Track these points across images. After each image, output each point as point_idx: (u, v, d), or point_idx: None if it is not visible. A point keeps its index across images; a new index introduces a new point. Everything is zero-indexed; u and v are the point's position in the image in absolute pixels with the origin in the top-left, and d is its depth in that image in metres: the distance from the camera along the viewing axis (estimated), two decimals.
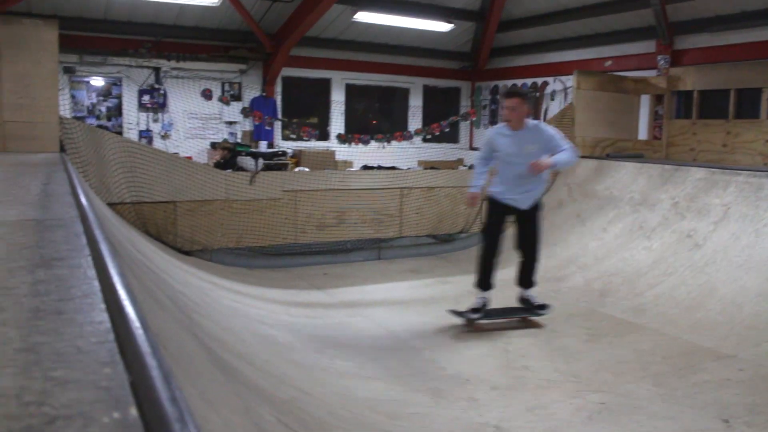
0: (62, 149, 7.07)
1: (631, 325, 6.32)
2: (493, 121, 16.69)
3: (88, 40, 12.40)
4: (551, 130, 6.13)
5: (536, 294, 6.45)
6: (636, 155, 10.61)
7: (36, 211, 2.64)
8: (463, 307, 6.44)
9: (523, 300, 6.44)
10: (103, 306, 1.22)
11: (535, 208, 6.25)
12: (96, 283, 1.40)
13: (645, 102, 12.09)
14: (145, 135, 13.14)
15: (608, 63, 13.25)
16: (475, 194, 6.32)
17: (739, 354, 5.46)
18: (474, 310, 6.17)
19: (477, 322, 6.13)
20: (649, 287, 7.19)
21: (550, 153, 5.90)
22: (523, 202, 6.14)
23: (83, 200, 2.99)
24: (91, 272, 1.50)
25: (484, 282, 6.28)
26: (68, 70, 12.35)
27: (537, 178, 6.02)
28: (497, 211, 6.27)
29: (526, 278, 6.42)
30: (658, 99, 12.02)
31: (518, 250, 6.40)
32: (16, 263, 1.64)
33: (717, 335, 5.89)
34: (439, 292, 7.50)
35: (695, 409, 4.37)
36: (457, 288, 7.68)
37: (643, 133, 12.00)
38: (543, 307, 6.37)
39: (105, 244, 1.91)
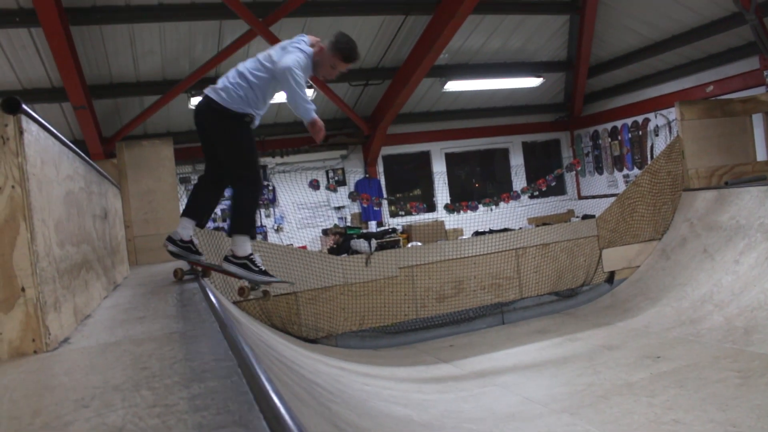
0: None
1: None
2: (598, 167, 16.35)
3: (199, 150, 13.15)
4: None
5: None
6: (758, 178, 10.06)
7: (178, 323, 2.79)
8: (597, 364, 6.20)
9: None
10: (260, 416, 1.28)
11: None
12: (248, 392, 1.47)
13: (758, 121, 11.53)
14: (260, 231, 13.69)
15: (710, 88, 12.78)
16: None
17: None
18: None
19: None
20: None
21: None
22: None
23: (216, 305, 3.15)
24: (242, 382, 1.58)
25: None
26: (184, 180, 13.14)
27: None
28: None
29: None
30: None
31: None
32: (171, 379, 1.75)
33: None
34: (570, 351, 7.27)
35: None
36: (588, 344, 7.43)
37: (761, 154, 11.40)
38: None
39: (247, 349, 2.00)
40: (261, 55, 5.04)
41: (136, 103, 11.79)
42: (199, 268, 5.31)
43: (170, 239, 5.01)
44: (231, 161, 4.92)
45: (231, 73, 4.93)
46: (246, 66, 4.97)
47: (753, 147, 11.17)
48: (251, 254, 4.89)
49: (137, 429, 1.32)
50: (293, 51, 4.81)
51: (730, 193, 9.29)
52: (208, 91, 4.87)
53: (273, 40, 10.72)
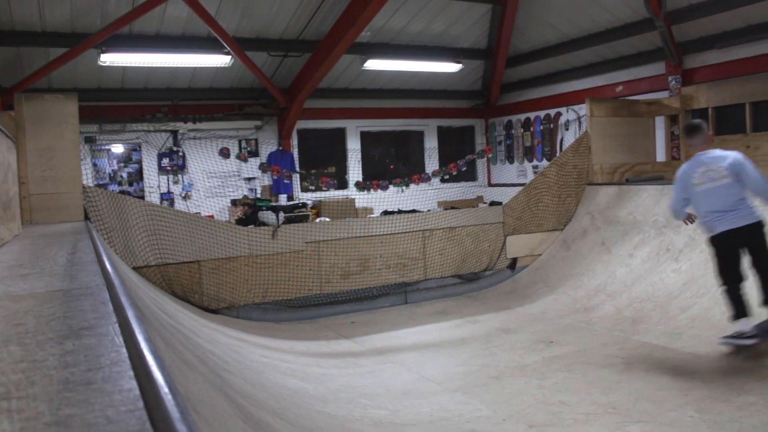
0: (86, 217, 7.19)
1: (667, 350, 6.21)
2: (509, 156, 16.72)
3: (107, 109, 12.71)
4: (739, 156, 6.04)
5: None
6: (656, 177, 10.56)
7: (63, 282, 2.67)
8: (493, 347, 6.37)
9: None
10: (131, 373, 1.23)
11: (758, 224, 5.93)
12: (124, 351, 1.41)
13: (660, 124, 12.07)
14: (167, 197, 13.32)
15: (619, 88, 13.27)
16: (692, 218, 6.56)
17: None
18: (740, 335, 5.88)
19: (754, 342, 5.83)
20: (682, 310, 7.08)
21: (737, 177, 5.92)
22: (742, 221, 5.89)
23: (109, 267, 3.03)
24: (119, 340, 1.52)
25: (739, 312, 5.97)
26: (89, 140, 12.62)
27: (742, 199, 5.92)
28: (723, 245, 6.05)
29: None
30: (672, 119, 12.00)
31: (756, 272, 6.00)
32: (45, 335, 1.66)
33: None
34: (468, 332, 7.44)
35: None
36: (486, 327, 7.62)
37: (661, 155, 11.95)
38: None
39: (131, 310, 1.93)
40: None
41: (41, 54, 11.16)
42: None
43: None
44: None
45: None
46: None
47: (654, 148, 11.70)
48: None
49: None
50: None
51: (630, 190, 9.70)
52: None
53: (192, 2, 10.39)
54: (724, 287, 6.03)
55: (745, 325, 5.85)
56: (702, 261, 7.65)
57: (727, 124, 11.30)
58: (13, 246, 4.49)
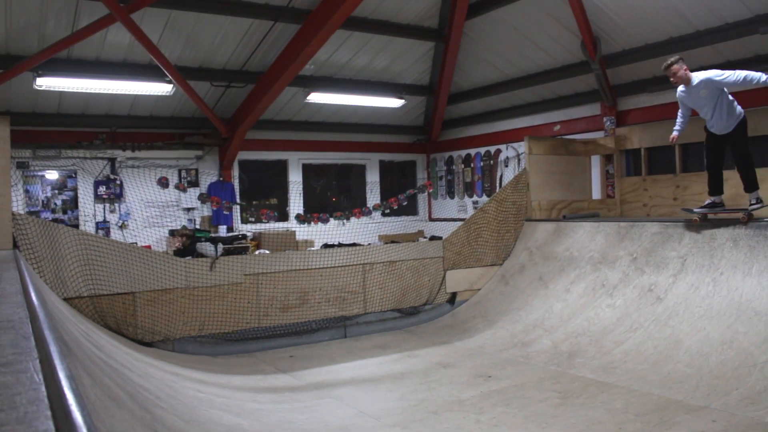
0: (15, 246, 6.93)
1: (601, 384, 6.31)
2: (450, 191, 16.92)
3: (42, 134, 12.37)
4: (709, 75, 7.60)
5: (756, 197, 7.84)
6: (592, 214, 10.83)
7: None
8: (432, 381, 6.36)
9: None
10: (48, 413, 1.17)
11: (737, 130, 7.75)
12: (43, 389, 1.35)
13: (596, 162, 12.43)
14: (103, 226, 12.99)
15: (557, 127, 13.63)
16: (674, 137, 8.28)
17: (710, 404, 5.48)
18: (709, 206, 8.13)
19: (707, 214, 8.05)
20: (616, 345, 7.22)
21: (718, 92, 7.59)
22: (726, 129, 7.77)
23: (34, 299, 2.92)
24: (39, 377, 1.45)
25: (716, 188, 8.13)
26: (21, 165, 12.24)
27: (729, 110, 7.66)
28: (712, 139, 7.99)
29: (749, 184, 7.87)
30: (607, 159, 12.37)
31: (737, 166, 8.01)
32: None
33: (687, 388, 5.92)
34: (407, 367, 7.41)
35: None
36: (425, 361, 7.61)
37: (596, 193, 12.28)
38: (759, 200, 7.80)
39: (55, 344, 1.86)
40: None
41: None
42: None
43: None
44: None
45: None
46: None
47: (590, 185, 12.02)
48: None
49: None
50: None
51: (567, 227, 9.91)
52: None
53: (134, 29, 10.26)
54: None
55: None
56: (635, 297, 7.86)
57: (658, 164, 11.72)
58: None
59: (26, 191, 12.65)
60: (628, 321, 7.57)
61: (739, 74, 7.42)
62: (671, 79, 7.82)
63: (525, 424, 5.34)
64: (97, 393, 2.33)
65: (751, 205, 7.75)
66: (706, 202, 8.19)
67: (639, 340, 7.13)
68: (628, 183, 12.02)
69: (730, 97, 7.69)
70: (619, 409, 5.57)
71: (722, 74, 7.52)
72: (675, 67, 7.71)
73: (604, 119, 12.40)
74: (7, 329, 2.16)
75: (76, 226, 12.19)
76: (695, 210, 8.24)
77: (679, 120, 8.19)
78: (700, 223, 8.02)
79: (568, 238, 9.68)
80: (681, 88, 7.91)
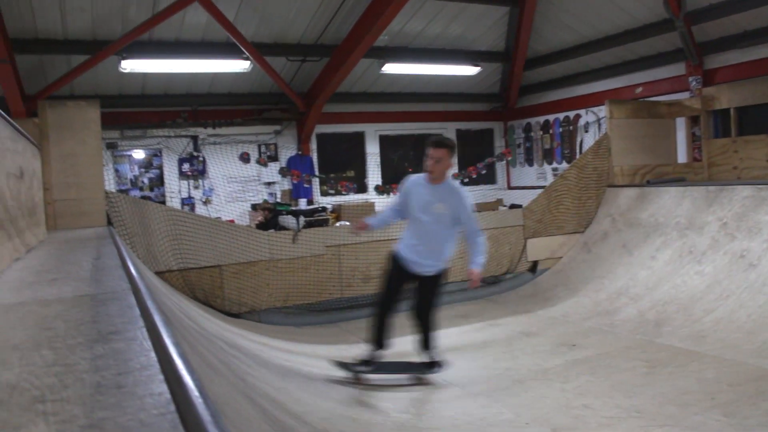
0: (109, 223, 7.25)
1: (691, 353, 6.14)
2: (528, 159, 16.66)
3: (128, 115, 12.83)
4: (466, 196, 5.56)
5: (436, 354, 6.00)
6: (678, 179, 10.46)
7: (90, 286, 2.70)
8: (515, 350, 6.33)
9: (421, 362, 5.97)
10: (161, 377, 1.24)
11: (438, 276, 5.80)
12: (153, 355, 1.43)
13: (681, 125, 11.96)
14: (188, 202, 13.41)
15: (639, 90, 13.18)
16: (364, 224, 5.98)
17: None
18: (363, 362, 5.79)
19: (364, 376, 5.78)
20: (706, 313, 7.00)
21: (455, 220, 5.52)
22: (426, 269, 5.70)
23: (133, 272, 3.06)
24: (147, 344, 1.53)
25: (377, 340, 5.85)
26: (111, 146, 12.75)
27: (444, 247, 5.65)
28: (398, 270, 5.81)
29: (424, 345, 5.94)
30: (694, 120, 11.89)
31: (413, 316, 5.98)
32: (75, 339, 1.68)
33: None
34: (490, 336, 7.41)
35: None
36: (508, 330, 7.59)
37: (682, 156, 11.85)
38: (436, 364, 5.89)
39: (158, 314, 1.95)
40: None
41: (63, 61, 11.29)
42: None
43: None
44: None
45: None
46: None
47: (675, 149, 11.59)
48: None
49: (32, 387, 1.26)
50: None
51: (651, 192, 9.62)
52: None
53: (211, 8, 10.47)
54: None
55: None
56: (725, 264, 7.58)
57: (749, 124, 11.17)
58: (39, 251, 4.54)
59: (116, 170, 13.18)
60: (718, 288, 7.31)
61: (477, 227, 5.61)
62: (429, 161, 5.46)
63: (611, 393, 5.27)
64: (197, 360, 2.44)
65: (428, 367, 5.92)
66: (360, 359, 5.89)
67: (731, 308, 6.88)
68: (716, 145, 11.52)
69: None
70: (711, 378, 5.41)
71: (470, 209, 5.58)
72: (442, 151, 5.45)
73: (690, 79, 11.89)
74: (113, 300, 2.28)
75: (163, 203, 12.63)
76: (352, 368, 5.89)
77: (381, 215, 6.28)
78: None
79: (652, 203, 9.40)
80: (419, 176, 5.69)
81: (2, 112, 3.77)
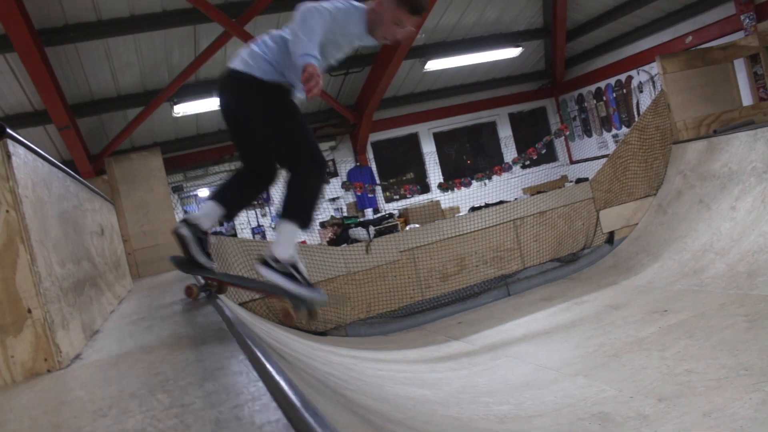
0: None
1: None
2: (586, 130, 16.37)
3: (188, 156, 13.24)
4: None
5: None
6: (746, 123, 10.08)
7: (185, 328, 2.82)
8: (606, 325, 6.26)
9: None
10: (274, 404, 1.30)
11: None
12: (261, 384, 1.49)
13: (741, 66, 11.54)
14: (258, 231, 13.70)
15: (689, 39, 12.79)
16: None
17: None
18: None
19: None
20: None
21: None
22: None
23: (223, 307, 3.17)
24: (253, 374, 1.60)
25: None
26: (177, 189, 13.16)
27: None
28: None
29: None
30: (753, 60, 11.45)
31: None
32: (185, 380, 1.77)
33: None
34: (577, 315, 7.31)
35: None
36: (595, 306, 7.47)
37: (747, 99, 11.43)
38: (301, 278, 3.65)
39: (255, 345, 2.03)
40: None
41: (120, 117, 11.77)
42: (214, 283, 4.28)
43: (185, 221, 3.85)
44: (275, 146, 3.83)
45: (260, 38, 3.82)
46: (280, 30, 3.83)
47: (738, 93, 11.18)
48: (295, 260, 3.61)
49: (157, 430, 1.34)
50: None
51: (720, 141, 9.31)
52: (231, 62, 3.80)
53: (248, 39, 10.70)
54: None
55: None
56: None
57: None
58: (130, 301, 4.75)
59: (185, 212, 13.59)
60: None
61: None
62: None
63: (714, 354, 5.11)
64: (299, 382, 2.52)
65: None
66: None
67: None
68: None
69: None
70: None
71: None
72: None
73: (742, 17, 11.46)
74: (211, 337, 2.38)
75: (234, 235, 12.94)
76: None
77: None
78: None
79: (723, 153, 9.09)
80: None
81: (78, 176, 3.96)
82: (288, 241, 3.60)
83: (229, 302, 5.96)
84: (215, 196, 4.02)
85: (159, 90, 11.26)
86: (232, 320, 2.62)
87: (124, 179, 8.14)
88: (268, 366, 1.62)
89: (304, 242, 12.04)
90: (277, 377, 1.49)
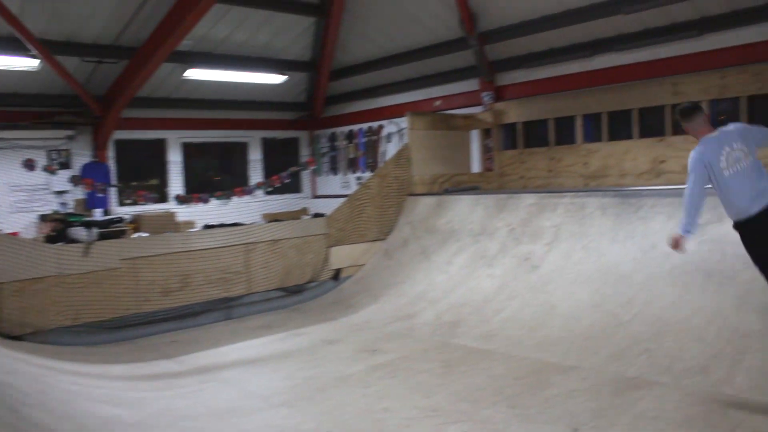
0: None
1: (483, 352, 6.54)
2: (333, 168, 16.90)
3: None
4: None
5: None
6: (472, 188, 11.12)
7: None
8: (318, 358, 6.38)
9: None
10: None
11: None
12: None
13: (475, 137, 12.73)
14: None
15: (437, 103, 13.85)
16: (680, 239, 5.20)
17: (581, 364, 5.84)
18: None
19: None
20: (496, 313, 7.50)
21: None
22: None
23: None
24: None
25: None
26: None
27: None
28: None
29: None
30: (486, 133, 12.72)
31: None
32: None
33: (560, 350, 6.26)
34: (293, 345, 7.39)
35: (548, 424, 4.59)
36: (311, 338, 7.62)
37: (476, 167, 12.61)
38: None
39: None
40: None
41: None
42: None
43: None
44: None
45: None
46: None
47: (469, 159, 12.33)
48: None
49: None
50: None
51: (448, 200, 10.14)
52: None
53: None
54: None
55: None
56: (513, 266, 8.17)
57: (534, 138, 12.17)
58: None
59: None
60: (506, 290, 7.85)
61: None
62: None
63: (410, 394, 5.46)
64: None
65: None
66: None
67: (517, 307, 7.43)
68: (506, 156, 12.41)
69: None
70: (500, 374, 5.80)
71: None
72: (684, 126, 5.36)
73: (483, 94, 12.70)
74: None
75: None
76: None
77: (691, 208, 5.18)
78: (573, 195, 8.28)
79: (449, 211, 9.90)
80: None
81: None
82: None
83: None
84: None
85: None
86: None
87: None
88: None
89: (16, 234, 10.89)
90: None
